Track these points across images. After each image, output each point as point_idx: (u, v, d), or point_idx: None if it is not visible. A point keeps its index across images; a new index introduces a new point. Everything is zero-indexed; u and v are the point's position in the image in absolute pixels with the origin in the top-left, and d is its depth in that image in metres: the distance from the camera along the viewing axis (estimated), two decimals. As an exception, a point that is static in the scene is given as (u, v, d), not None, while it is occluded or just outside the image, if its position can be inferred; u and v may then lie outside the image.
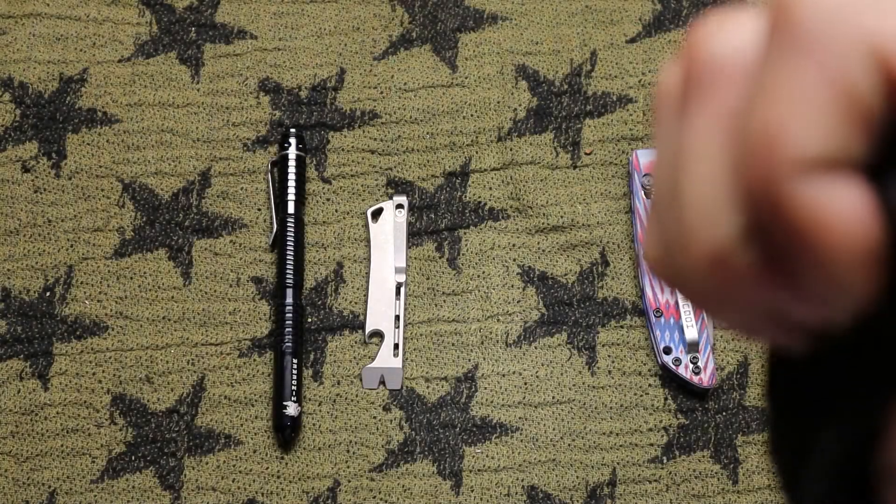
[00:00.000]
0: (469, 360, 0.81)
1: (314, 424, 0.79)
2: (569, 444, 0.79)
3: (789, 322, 0.21)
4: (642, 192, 0.83)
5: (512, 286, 0.82)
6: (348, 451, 0.78)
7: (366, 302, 0.82)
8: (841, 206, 0.19)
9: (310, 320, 0.81)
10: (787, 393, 0.23)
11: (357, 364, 0.80)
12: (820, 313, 0.20)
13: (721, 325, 0.82)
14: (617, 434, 0.79)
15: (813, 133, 0.19)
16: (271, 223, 0.83)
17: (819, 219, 0.19)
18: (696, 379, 0.79)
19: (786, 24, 0.19)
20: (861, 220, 0.19)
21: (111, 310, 0.81)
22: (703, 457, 0.78)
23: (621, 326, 0.81)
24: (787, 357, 0.22)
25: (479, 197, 0.85)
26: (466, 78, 0.88)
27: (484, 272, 0.83)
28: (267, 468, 0.78)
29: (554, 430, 0.79)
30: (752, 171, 0.19)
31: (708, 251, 0.21)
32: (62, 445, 0.78)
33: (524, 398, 0.80)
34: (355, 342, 0.81)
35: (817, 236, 0.19)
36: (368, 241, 0.83)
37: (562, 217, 0.84)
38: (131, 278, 0.82)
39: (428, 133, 0.86)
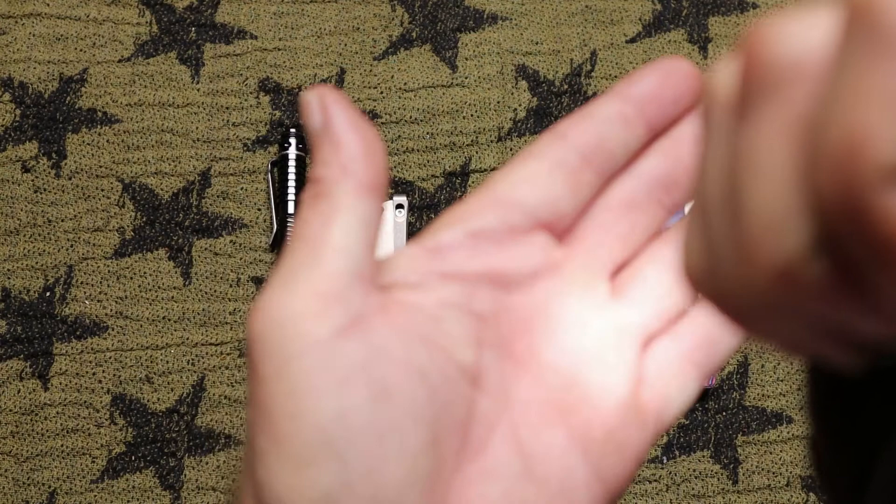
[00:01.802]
0: (469, 360, 0.81)
1: (314, 424, 0.79)
2: (569, 444, 0.79)
3: (851, 337, 0.20)
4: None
5: (512, 286, 0.82)
6: (348, 451, 0.78)
7: (366, 302, 0.82)
8: None
9: (310, 320, 0.81)
10: (839, 411, 0.22)
11: (357, 364, 0.80)
12: (892, 327, 0.19)
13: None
14: (617, 434, 0.79)
15: None
16: (271, 223, 0.83)
17: None
18: (696, 379, 0.79)
19: (868, 24, 0.18)
20: None
21: (111, 310, 0.81)
22: (703, 457, 0.78)
23: (621, 326, 0.81)
24: (833, 373, 0.21)
25: (479, 197, 0.85)
26: (466, 78, 0.88)
27: (484, 272, 0.83)
28: (267, 468, 0.78)
29: (554, 430, 0.79)
30: (831, 179, 0.18)
31: (774, 263, 0.19)
32: (62, 445, 0.78)
33: (524, 398, 0.80)
34: (355, 342, 0.81)
35: None
36: (368, 241, 0.83)
37: (562, 217, 0.84)
38: (131, 278, 0.82)
39: (428, 133, 0.86)
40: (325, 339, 0.28)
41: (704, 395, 0.80)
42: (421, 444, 0.29)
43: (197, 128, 0.86)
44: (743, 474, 0.78)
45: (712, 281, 0.21)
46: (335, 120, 0.31)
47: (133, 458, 0.78)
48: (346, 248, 0.30)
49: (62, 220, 0.83)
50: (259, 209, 0.84)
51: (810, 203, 0.19)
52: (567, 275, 0.33)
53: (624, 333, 0.33)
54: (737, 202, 0.20)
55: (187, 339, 0.81)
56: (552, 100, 0.87)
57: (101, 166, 0.85)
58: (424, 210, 0.84)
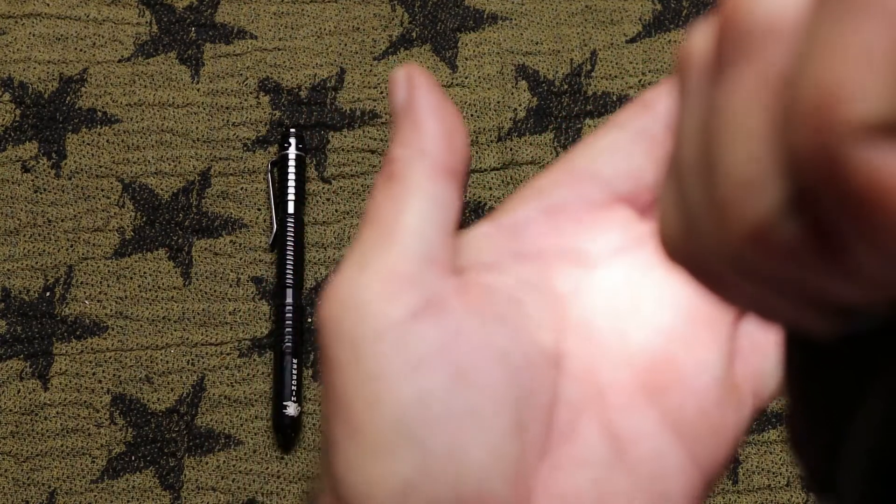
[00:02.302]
0: (469, 360, 0.80)
1: (314, 424, 0.79)
2: (569, 444, 0.78)
3: (826, 301, 0.20)
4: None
5: (512, 286, 0.82)
6: (348, 451, 0.78)
7: (366, 302, 0.81)
8: None
9: (310, 320, 0.81)
10: (813, 379, 0.22)
11: (357, 364, 0.80)
12: (866, 291, 0.19)
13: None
14: (617, 434, 0.79)
15: (876, 93, 0.17)
16: (271, 223, 0.83)
17: (879, 187, 0.17)
18: (696, 379, 0.79)
19: None
20: None
21: (111, 310, 0.81)
22: (703, 457, 0.78)
23: (621, 326, 0.81)
24: (808, 341, 0.21)
25: (479, 197, 0.85)
26: (466, 78, 0.88)
27: (484, 272, 0.83)
28: (267, 468, 0.78)
29: (554, 430, 0.79)
30: (805, 134, 0.18)
31: (748, 223, 0.19)
32: (62, 445, 0.78)
33: (524, 398, 0.80)
34: (355, 342, 0.81)
35: (876, 206, 0.17)
36: (368, 241, 0.83)
37: (562, 217, 0.84)
38: (131, 278, 0.82)
39: (428, 133, 0.86)
40: (400, 321, 0.28)
41: (704, 395, 0.80)
42: (503, 429, 0.28)
43: (197, 128, 0.86)
44: (743, 474, 0.78)
45: (687, 247, 0.21)
46: (419, 100, 0.30)
47: (133, 458, 0.78)
48: (419, 231, 0.29)
49: (62, 220, 0.83)
50: (259, 209, 0.84)
51: (785, 161, 0.19)
52: (651, 250, 0.32)
53: (714, 307, 0.31)
54: (711, 163, 0.20)
55: (187, 339, 0.81)
56: (552, 100, 0.87)
57: (101, 166, 0.85)
58: (424, 210, 0.84)
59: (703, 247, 0.21)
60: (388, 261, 0.28)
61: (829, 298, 0.20)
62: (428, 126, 0.30)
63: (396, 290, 0.28)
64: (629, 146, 0.32)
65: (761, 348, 0.32)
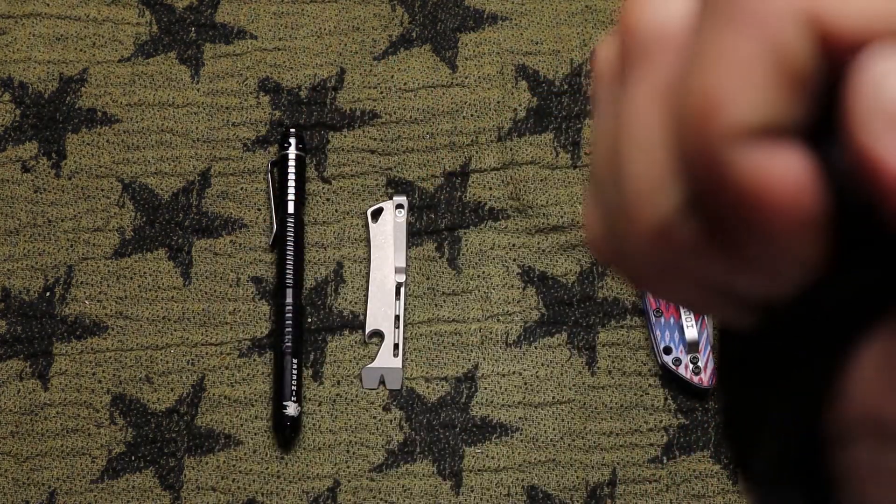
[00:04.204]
0: (469, 360, 0.81)
1: (314, 424, 0.79)
2: (569, 444, 0.79)
3: (734, 295, 0.21)
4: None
5: (512, 286, 0.82)
6: (348, 451, 0.78)
7: (366, 302, 0.81)
8: (781, 173, 0.18)
9: (310, 320, 0.81)
10: (735, 369, 0.23)
11: (357, 364, 0.80)
12: (764, 284, 0.20)
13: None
14: (617, 434, 0.79)
15: (749, 99, 0.18)
16: (271, 223, 0.83)
17: (759, 186, 0.18)
18: (696, 379, 0.79)
19: None
20: (802, 185, 0.18)
21: (111, 310, 0.81)
22: (703, 457, 0.78)
23: (621, 326, 0.81)
24: (735, 332, 0.22)
25: (479, 197, 0.85)
26: (466, 78, 0.88)
27: (484, 272, 0.83)
28: (267, 468, 0.78)
29: (554, 430, 0.79)
30: (690, 140, 0.19)
31: (650, 224, 0.20)
32: (62, 445, 0.78)
33: (524, 398, 0.80)
34: (355, 342, 0.81)
35: (758, 204, 0.18)
36: (368, 241, 0.83)
37: (562, 217, 0.84)
38: (131, 278, 0.82)
39: (428, 133, 0.86)
40: None
41: (704, 395, 0.80)
42: None
43: (197, 128, 0.86)
44: (743, 474, 0.78)
45: (609, 246, 0.22)
46: None
47: (133, 458, 0.78)
48: None
49: (62, 220, 0.83)
50: (259, 209, 0.84)
51: (678, 165, 0.20)
52: None
53: None
54: (617, 168, 0.21)
55: (187, 339, 0.81)
56: (552, 100, 0.87)
57: (101, 166, 0.85)
58: (424, 210, 0.84)
59: (621, 246, 0.22)
60: None
61: (735, 292, 0.21)
62: None
63: None
64: None
65: None
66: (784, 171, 0.18)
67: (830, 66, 0.19)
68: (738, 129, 0.18)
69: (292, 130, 0.85)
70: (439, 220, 0.84)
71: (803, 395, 0.21)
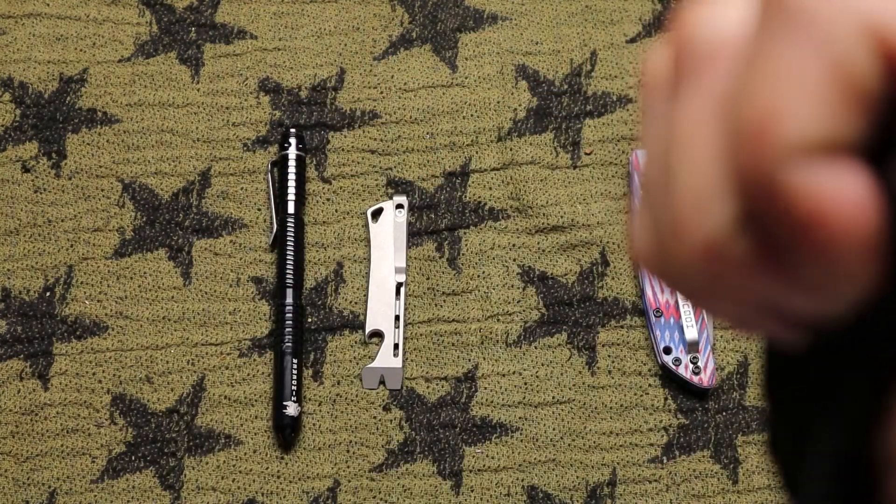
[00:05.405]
0: (469, 360, 0.81)
1: (314, 424, 0.79)
2: (569, 444, 0.79)
3: (785, 314, 0.20)
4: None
5: (512, 286, 0.82)
6: (348, 451, 0.78)
7: (366, 302, 0.82)
8: (839, 192, 0.18)
9: (310, 320, 0.81)
10: (784, 388, 0.22)
11: (357, 364, 0.80)
12: (817, 304, 0.19)
13: (717, 320, 0.82)
14: (617, 434, 0.79)
15: (809, 116, 0.18)
16: (271, 223, 0.83)
17: (817, 206, 0.18)
18: (696, 379, 0.79)
19: (779, 3, 0.19)
20: (861, 205, 0.18)
21: (111, 310, 0.81)
22: (703, 457, 0.78)
23: (621, 326, 0.81)
24: (783, 351, 0.22)
25: (479, 197, 0.85)
26: (466, 78, 0.88)
27: (484, 272, 0.83)
28: (267, 468, 0.78)
29: (554, 430, 0.79)
30: (746, 157, 0.19)
31: (701, 241, 0.20)
32: (62, 445, 0.78)
33: (524, 398, 0.80)
34: (355, 342, 0.81)
35: (815, 224, 0.18)
36: (368, 241, 0.83)
37: (562, 217, 0.84)
38: (131, 278, 0.82)
39: (428, 133, 0.86)
40: None
41: (704, 395, 0.80)
42: None
43: (197, 128, 0.86)
44: (743, 474, 0.78)
45: (657, 259, 0.22)
46: None
47: (133, 458, 0.78)
48: None
49: (62, 220, 0.83)
50: (259, 209, 0.84)
51: (732, 180, 0.19)
52: None
53: None
54: (668, 181, 0.20)
55: (187, 339, 0.81)
56: (552, 100, 0.87)
57: (101, 166, 0.85)
58: (424, 210, 0.84)
59: (670, 260, 0.21)
60: None
61: (786, 311, 0.20)
62: None
63: None
64: None
65: None
66: (843, 191, 0.18)
67: (893, 83, 0.18)
68: (797, 145, 0.18)
69: (292, 130, 0.85)
70: (439, 220, 0.84)
71: (852, 417, 0.20)
